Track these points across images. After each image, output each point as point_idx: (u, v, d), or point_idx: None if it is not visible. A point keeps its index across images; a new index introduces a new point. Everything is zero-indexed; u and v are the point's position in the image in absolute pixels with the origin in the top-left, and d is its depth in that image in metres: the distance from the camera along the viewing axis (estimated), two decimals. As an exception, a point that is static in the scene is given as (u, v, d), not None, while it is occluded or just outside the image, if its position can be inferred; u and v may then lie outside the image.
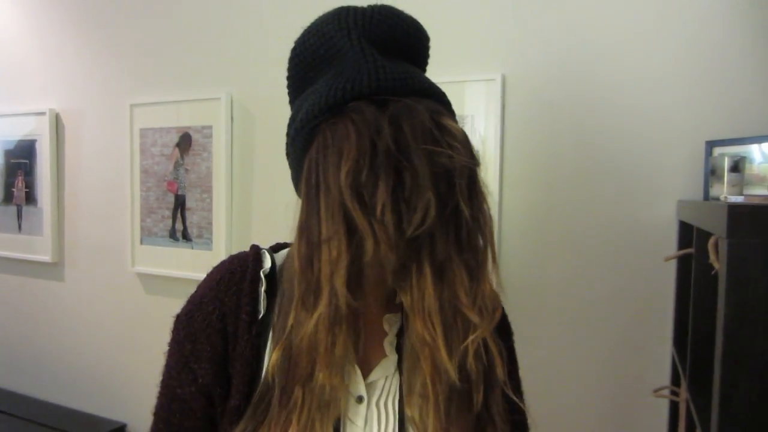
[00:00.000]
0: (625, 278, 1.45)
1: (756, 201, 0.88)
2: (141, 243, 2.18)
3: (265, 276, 0.68)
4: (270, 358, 0.63)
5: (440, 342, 0.57)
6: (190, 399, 0.65)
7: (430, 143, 0.55)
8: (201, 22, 2.05)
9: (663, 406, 1.41)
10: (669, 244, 1.39)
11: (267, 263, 0.70)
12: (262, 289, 0.67)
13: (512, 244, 1.57)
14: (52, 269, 2.39)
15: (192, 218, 2.07)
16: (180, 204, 2.09)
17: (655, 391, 1.32)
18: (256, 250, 0.72)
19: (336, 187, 0.55)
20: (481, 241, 0.60)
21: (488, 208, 0.61)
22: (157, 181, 2.14)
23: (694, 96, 1.37)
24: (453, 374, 0.58)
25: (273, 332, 0.65)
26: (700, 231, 1.07)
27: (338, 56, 0.63)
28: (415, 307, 0.58)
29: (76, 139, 2.39)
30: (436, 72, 1.56)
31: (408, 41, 0.66)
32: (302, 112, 0.63)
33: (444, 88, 1.59)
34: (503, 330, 0.75)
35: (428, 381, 0.60)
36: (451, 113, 0.65)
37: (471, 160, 0.58)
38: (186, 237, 2.08)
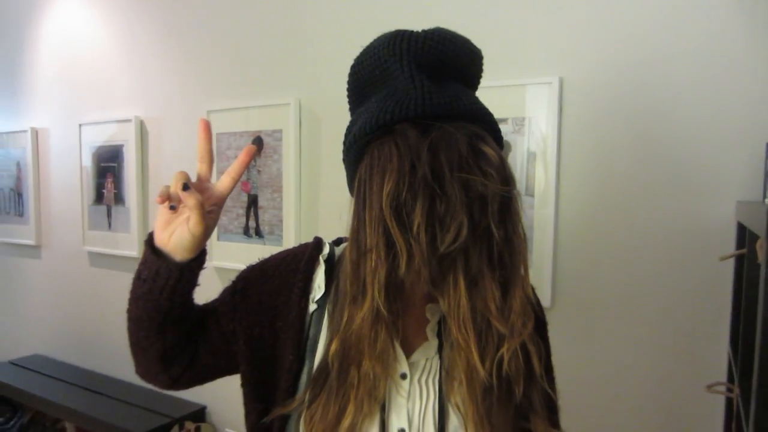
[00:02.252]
0: (684, 277, 1.47)
1: (800, 203, 0.90)
2: (218, 239, 2.36)
3: (325, 261, 0.80)
4: (327, 341, 0.74)
5: (473, 346, 0.65)
6: (221, 311, 0.83)
7: (466, 171, 0.61)
8: (270, 32, 2.19)
9: (719, 404, 1.43)
10: (728, 244, 1.40)
11: (326, 251, 0.82)
12: (321, 270, 0.79)
13: (569, 243, 1.61)
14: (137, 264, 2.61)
15: (264, 216, 2.22)
16: (253, 203, 2.25)
17: (709, 386, 1.34)
18: (317, 240, 0.84)
19: (378, 204, 0.62)
20: (512, 260, 0.65)
21: (522, 230, 0.67)
22: (232, 183, 2.29)
23: (755, 96, 1.37)
24: (483, 374, 0.66)
25: (329, 315, 0.75)
26: (751, 232, 1.09)
27: (390, 79, 0.69)
28: (451, 313, 0.65)
29: (159, 144, 2.60)
30: (497, 76, 1.65)
31: (459, 63, 0.71)
32: (356, 127, 0.70)
33: (504, 91, 1.65)
34: (538, 323, 0.82)
35: (463, 376, 0.69)
36: (495, 135, 0.70)
37: (504, 186, 0.64)
38: (258, 233, 2.23)
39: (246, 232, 2.28)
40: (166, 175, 2.53)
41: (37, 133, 3.21)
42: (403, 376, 0.75)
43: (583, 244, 1.60)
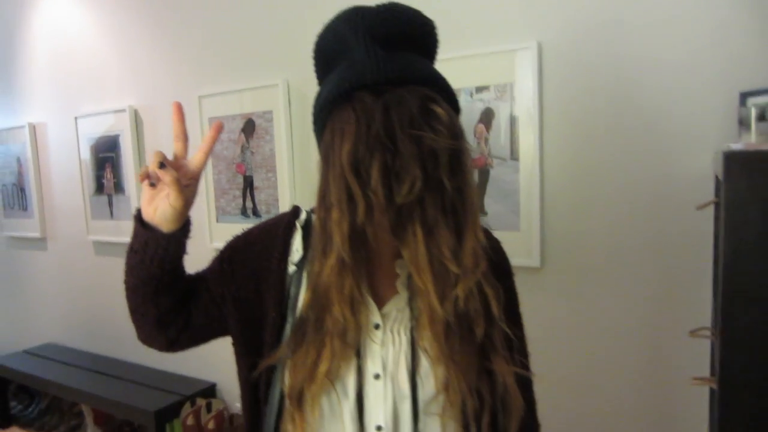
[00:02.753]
0: (666, 229, 1.52)
1: (756, 147, 0.94)
2: (217, 221, 2.42)
3: (302, 227, 0.87)
4: (304, 295, 0.81)
5: (431, 289, 0.72)
6: (210, 277, 0.90)
7: (417, 128, 0.67)
8: (256, 15, 2.22)
9: (705, 349, 1.49)
10: (708, 195, 1.45)
11: (303, 217, 0.89)
12: (299, 234, 0.86)
13: (556, 205, 1.66)
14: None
15: (260, 196, 2.27)
16: (248, 184, 2.30)
17: (692, 332, 1.40)
18: (295, 208, 0.91)
19: (339, 163, 0.69)
20: (464, 208, 0.72)
21: (472, 181, 0.74)
22: (227, 165, 2.35)
23: (728, 46, 1.40)
24: (442, 314, 0.73)
25: (308, 275, 0.81)
26: (718, 179, 1.13)
27: (349, 51, 0.75)
28: (411, 260, 0.72)
29: (154, 132, 2.65)
30: (477, 44, 1.68)
31: (412, 34, 0.77)
32: (321, 98, 0.77)
33: (485, 59, 1.69)
34: (502, 272, 0.87)
35: (426, 319, 0.75)
36: (447, 97, 0.75)
37: (453, 141, 0.70)
38: (256, 213, 2.29)
39: (243, 212, 2.33)
40: (162, 161, 2.58)
41: (35, 128, 3.26)
42: (377, 326, 0.81)
43: (569, 204, 1.65)
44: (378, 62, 0.71)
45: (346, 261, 0.72)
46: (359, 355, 0.80)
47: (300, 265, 0.84)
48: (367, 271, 0.79)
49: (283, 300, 0.83)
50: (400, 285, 0.83)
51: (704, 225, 1.44)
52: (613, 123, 1.56)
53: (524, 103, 1.65)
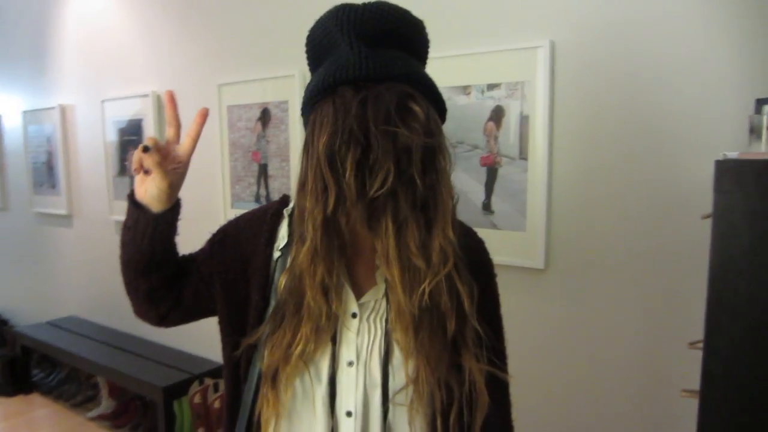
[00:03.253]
0: (672, 237, 1.49)
1: (753, 157, 0.92)
2: (232, 207, 2.46)
3: (289, 215, 0.89)
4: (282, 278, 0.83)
5: (398, 282, 0.73)
6: (201, 258, 0.94)
7: (392, 124, 0.68)
8: (275, 7, 2.24)
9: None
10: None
11: (291, 205, 0.90)
12: (285, 222, 0.89)
13: (562, 206, 1.64)
14: (161, 231, 2.74)
15: (273, 184, 2.30)
16: (263, 172, 2.33)
17: (691, 343, 1.37)
18: (284, 197, 0.94)
19: (316, 153, 0.71)
20: (435, 206, 0.73)
21: (446, 179, 0.74)
22: (243, 153, 2.38)
23: (746, 51, 1.36)
24: (408, 307, 0.74)
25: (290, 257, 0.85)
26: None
27: (335, 47, 0.77)
28: (382, 252, 0.74)
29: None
30: (489, 42, 1.66)
31: (398, 32, 0.78)
32: (307, 91, 0.78)
33: (496, 57, 1.67)
34: (482, 271, 0.88)
35: (395, 310, 0.77)
36: (431, 95, 0.76)
37: (428, 138, 0.70)
38: (269, 200, 2.31)
39: (257, 199, 2.36)
40: (183, 146, 2.63)
41: (64, 109, 3.35)
42: (354, 315, 0.83)
43: (576, 206, 1.63)
44: (361, 59, 0.73)
45: (318, 248, 0.74)
46: (335, 342, 0.82)
47: (284, 251, 0.87)
48: (347, 261, 0.81)
49: (266, 284, 0.86)
50: (379, 276, 0.84)
51: (709, 234, 1.41)
52: (623, 125, 1.53)
53: (535, 102, 1.64)
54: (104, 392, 3.05)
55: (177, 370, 2.59)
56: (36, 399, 3.33)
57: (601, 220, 1.59)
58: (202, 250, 0.96)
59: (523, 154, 1.68)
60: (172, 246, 0.92)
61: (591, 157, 1.59)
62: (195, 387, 2.48)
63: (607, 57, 1.54)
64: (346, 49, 0.75)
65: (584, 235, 1.62)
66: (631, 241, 1.55)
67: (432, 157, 0.72)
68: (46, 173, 3.54)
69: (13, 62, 3.73)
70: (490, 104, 1.71)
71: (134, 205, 0.87)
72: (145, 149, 0.81)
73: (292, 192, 0.82)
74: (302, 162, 0.76)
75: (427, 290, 0.74)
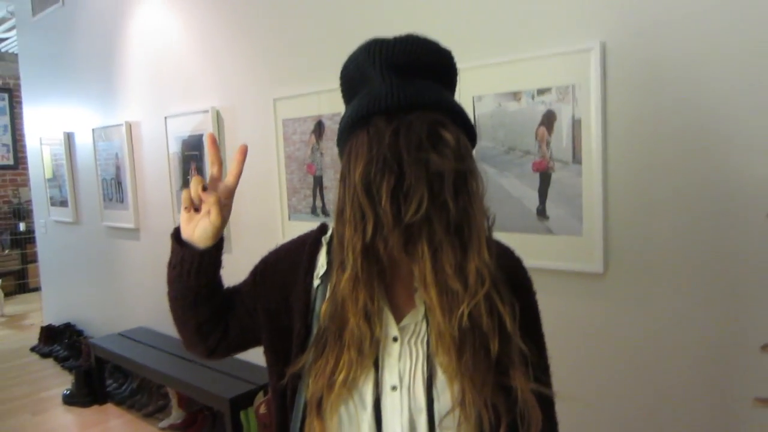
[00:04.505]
0: (735, 236, 1.44)
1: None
2: (288, 219, 2.53)
3: (327, 243, 0.92)
4: (324, 306, 0.85)
5: (436, 305, 0.75)
6: (244, 290, 0.98)
7: (423, 151, 0.71)
8: (327, 23, 2.30)
9: (777, 366, 1.40)
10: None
11: (329, 233, 0.93)
12: (323, 250, 0.92)
13: (620, 210, 1.61)
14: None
15: (329, 196, 2.35)
16: (318, 184, 2.39)
17: (764, 346, 1.32)
18: (322, 225, 0.96)
19: (353, 183, 0.74)
20: (469, 229, 0.74)
21: (480, 202, 0.76)
22: (298, 165, 2.45)
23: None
24: (448, 329, 0.76)
25: (331, 288, 0.85)
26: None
27: (367, 80, 0.80)
28: (419, 277, 0.75)
29: (233, 132, 2.80)
30: (537, 45, 1.66)
31: (427, 62, 0.81)
32: (343, 122, 0.82)
33: (546, 61, 1.68)
34: (522, 289, 0.89)
35: (435, 333, 0.79)
36: (458, 121, 0.78)
37: (459, 163, 0.73)
38: (324, 212, 2.37)
39: (313, 211, 2.42)
40: (241, 160, 2.73)
41: (131, 126, 3.54)
42: (395, 339, 0.85)
43: (634, 209, 1.60)
44: (392, 90, 0.76)
45: (359, 275, 0.76)
46: (377, 366, 0.83)
47: (324, 278, 0.89)
48: (386, 285, 0.83)
49: (307, 312, 0.89)
50: (418, 299, 0.85)
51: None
52: (680, 125, 1.49)
53: (587, 105, 1.62)
54: (174, 402, 3.17)
55: (243, 381, 2.67)
56: (110, 409, 3.48)
57: (661, 222, 1.55)
58: (245, 282, 1.00)
59: (576, 158, 1.66)
60: (218, 279, 0.97)
61: (648, 158, 1.56)
62: (260, 398, 2.55)
63: (661, 55, 1.50)
64: (378, 81, 0.78)
65: (644, 238, 1.59)
66: (693, 242, 1.51)
67: (464, 181, 0.74)
68: (114, 188, 3.74)
69: (86, 83, 3.97)
70: (541, 109, 1.70)
71: (178, 243, 0.91)
72: (204, 188, 0.86)
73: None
74: (339, 191, 0.79)
75: (465, 312, 0.75)
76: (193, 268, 0.90)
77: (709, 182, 1.47)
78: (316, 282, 0.90)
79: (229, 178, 0.92)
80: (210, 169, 0.92)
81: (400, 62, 0.79)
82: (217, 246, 0.93)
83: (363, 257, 0.75)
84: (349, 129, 0.79)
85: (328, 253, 0.90)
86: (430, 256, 0.73)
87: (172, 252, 0.92)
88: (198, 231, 0.89)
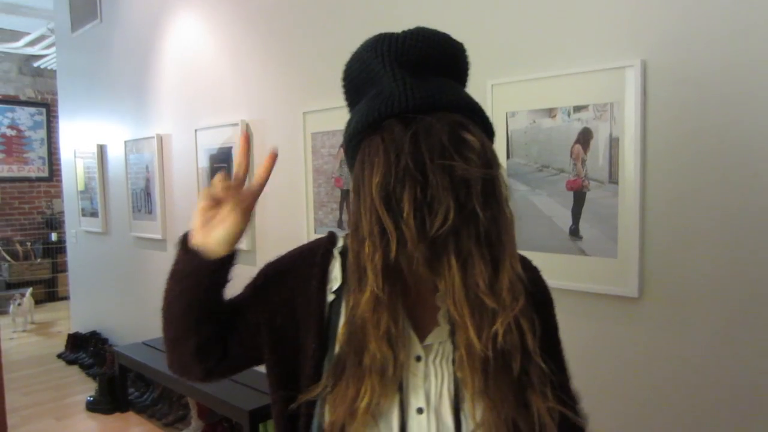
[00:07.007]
0: (783, 265, 1.37)
1: None
2: (315, 232, 2.51)
3: (340, 254, 0.84)
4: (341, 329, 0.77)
5: (468, 322, 0.68)
6: (244, 305, 0.87)
7: (447, 157, 0.65)
8: (354, 37, 2.29)
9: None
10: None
11: (340, 243, 0.85)
12: (337, 262, 0.83)
13: (658, 232, 1.55)
14: (247, 256, 2.84)
15: (355, 210, 2.33)
16: (345, 197, 2.37)
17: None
18: (331, 235, 0.88)
19: (369, 195, 0.67)
20: (500, 239, 0.68)
21: (508, 209, 0.69)
22: (326, 179, 2.44)
23: None
24: (480, 349, 0.69)
25: (346, 303, 0.78)
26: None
27: (376, 79, 0.74)
28: (447, 293, 0.68)
29: (262, 145, 2.80)
30: (574, 62, 1.62)
31: (440, 58, 0.75)
32: (350, 127, 0.75)
33: (583, 78, 1.62)
34: (542, 303, 0.82)
35: (464, 352, 0.71)
36: (479, 122, 0.72)
37: (486, 169, 0.67)
38: (351, 227, 2.35)
39: (340, 225, 2.40)
40: (269, 173, 2.74)
41: (162, 138, 3.58)
42: (418, 359, 0.78)
43: (672, 231, 1.53)
44: (406, 90, 0.70)
45: (380, 297, 0.69)
46: (401, 388, 0.77)
47: (339, 292, 0.82)
48: (407, 303, 0.76)
49: (322, 330, 0.81)
50: (441, 317, 0.80)
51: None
52: (722, 146, 1.43)
53: (626, 123, 1.56)
54: (194, 413, 3.16)
55: (263, 393, 2.63)
56: (131, 417, 3.48)
57: (700, 248, 1.48)
58: (243, 296, 0.89)
59: (613, 178, 1.60)
60: (224, 294, 0.87)
61: (687, 180, 1.50)
62: (279, 410, 2.51)
63: (705, 75, 1.45)
64: (389, 81, 0.71)
65: (681, 262, 1.52)
66: (733, 267, 1.43)
67: (492, 188, 0.68)
68: (144, 199, 3.78)
69: (120, 96, 4.05)
70: (577, 126, 1.65)
71: (187, 253, 0.81)
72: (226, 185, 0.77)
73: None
74: (353, 204, 0.72)
75: (500, 331, 0.68)
76: (204, 281, 0.80)
77: (751, 206, 1.40)
78: (330, 297, 0.82)
79: (255, 181, 0.83)
80: (236, 169, 0.83)
81: (411, 59, 0.72)
82: (231, 257, 0.82)
83: (384, 277, 0.68)
84: (358, 134, 0.72)
85: (343, 265, 0.83)
86: (459, 271, 0.67)
87: (179, 262, 0.82)
88: (213, 236, 0.78)
